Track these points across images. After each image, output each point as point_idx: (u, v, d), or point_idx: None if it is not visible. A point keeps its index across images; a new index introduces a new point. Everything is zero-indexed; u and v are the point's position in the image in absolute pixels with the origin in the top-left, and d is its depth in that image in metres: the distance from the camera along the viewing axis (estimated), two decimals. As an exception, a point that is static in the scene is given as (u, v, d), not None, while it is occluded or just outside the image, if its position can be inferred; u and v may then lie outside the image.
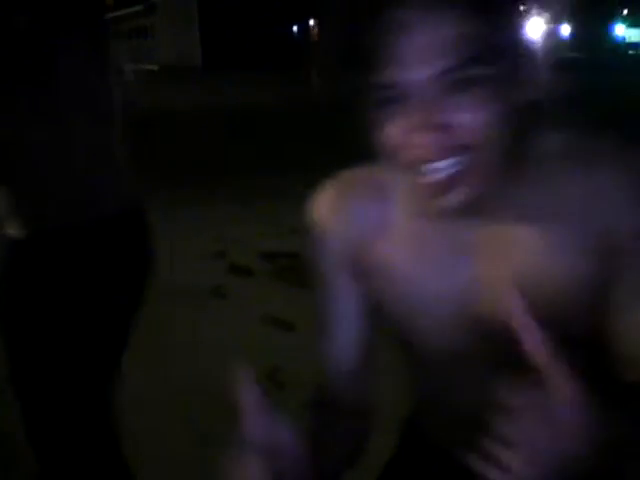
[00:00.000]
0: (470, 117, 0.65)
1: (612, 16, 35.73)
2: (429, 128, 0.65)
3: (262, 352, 2.77)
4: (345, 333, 0.87)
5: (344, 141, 9.02)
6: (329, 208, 0.85)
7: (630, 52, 35.17)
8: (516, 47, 0.69)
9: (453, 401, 0.87)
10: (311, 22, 33.88)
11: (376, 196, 0.81)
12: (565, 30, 38.74)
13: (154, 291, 3.69)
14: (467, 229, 0.75)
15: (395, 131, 0.67)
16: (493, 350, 0.75)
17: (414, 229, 0.78)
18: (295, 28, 35.09)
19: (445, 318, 0.78)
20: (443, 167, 0.66)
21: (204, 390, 2.50)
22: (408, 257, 0.79)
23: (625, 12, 35.83)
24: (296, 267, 3.88)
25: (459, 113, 0.65)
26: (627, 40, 38.24)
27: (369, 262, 0.82)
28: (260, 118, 11.87)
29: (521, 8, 0.74)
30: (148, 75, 26.44)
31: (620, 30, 38.76)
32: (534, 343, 0.59)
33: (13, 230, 1.29)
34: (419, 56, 0.64)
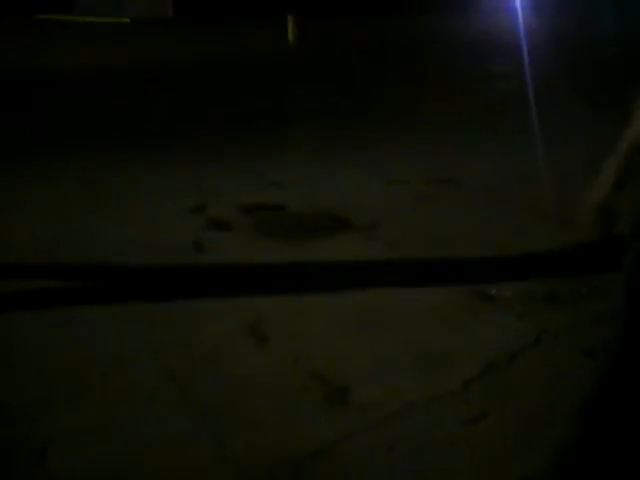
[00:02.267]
0: None
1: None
2: None
3: (244, 305, 2.77)
4: None
5: (322, 96, 8.85)
6: None
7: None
8: None
9: None
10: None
11: None
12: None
13: (135, 247, 3.62)
14: None
15: None
16: None
17: None
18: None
19: None
20: None
21: (186, 345, 2.49)
22: None
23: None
24: (277, 220, 3.85)
25: None
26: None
27: None
28: (238, 71, 11.63)
29: None
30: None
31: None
32: None
33: None
34: None
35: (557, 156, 4.69)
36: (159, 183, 4.59)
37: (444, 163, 4.85)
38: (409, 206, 3.99)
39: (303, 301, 2.81)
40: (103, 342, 2.50)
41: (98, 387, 2.22)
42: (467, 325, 2.58)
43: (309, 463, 1.85)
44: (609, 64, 8.58)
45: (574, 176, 4.32)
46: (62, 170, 5.02)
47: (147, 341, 2.51)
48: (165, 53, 15.50)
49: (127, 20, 32.16)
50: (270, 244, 3.46)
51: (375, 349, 2.42)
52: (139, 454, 1.89)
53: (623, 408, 1.34)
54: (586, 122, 5.67)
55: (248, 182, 4.53)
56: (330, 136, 5.83)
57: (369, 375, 2.25)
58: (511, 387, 2.17)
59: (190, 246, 3.41)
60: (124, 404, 2.12)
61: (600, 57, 9.40)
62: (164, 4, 32.74)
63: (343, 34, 18.72)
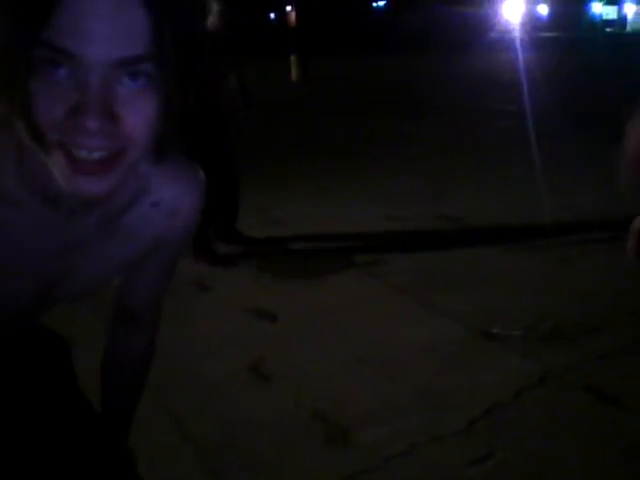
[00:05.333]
0: (139, 112, 0.64)
1: (588, -6, 35.79)
2: (102, 115, 0.61)
3: (246, 344, 2.75)
4: None
5: (325, 133, 8.89)
6: None
7: (607, 29, 35.28)
8: (192, 45, 0.66)
9: None
10: (288, 8, 33.58)
11: None
12: (543, 10, 38.80)
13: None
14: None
15: (56, 105, 0.61)
16: None
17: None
18: (272, 15, 34.76)
19: None
20: (97, 156, 0.64)
21: (186, 383, 2.47)
22: None
23: (601, -10, 35.92)
24: (279, 258, 3.85)
25: (129, 106, 0.63)
26: (604, 18, 38.40)
27: None
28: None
29: None
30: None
31: (597, 8, 38.85)
32: None
33: None
34: (105, 37, 0.59)
35: (560, 193, 4.70)
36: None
37: (445, 199, 4.86)
38: (410, 242, 3.99)
39: (304, 339, 2.79)
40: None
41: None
42: (471, 364, 2.55)
43: (311, 506, 1.81)
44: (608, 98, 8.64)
45: (578, 211, 4.33)
46: None
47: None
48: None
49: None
50: (272, 281, 3.45)
51: (377, 388, 2.39)
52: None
53: None
54: (586, 157, 5.71)
55: (248, 218, 4.54)
56: (329, 172, 5.85)
57: (371, 415, 2.22)
58: (516, 426, 2.14)
59: (192, 284, 3.40)
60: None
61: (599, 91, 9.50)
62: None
63: (345, 72, 18.99)
